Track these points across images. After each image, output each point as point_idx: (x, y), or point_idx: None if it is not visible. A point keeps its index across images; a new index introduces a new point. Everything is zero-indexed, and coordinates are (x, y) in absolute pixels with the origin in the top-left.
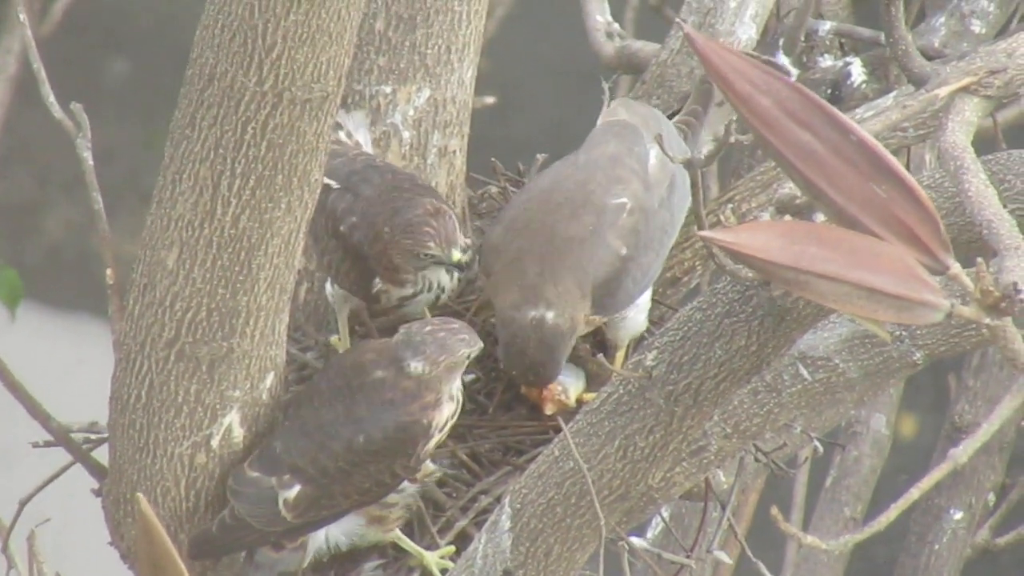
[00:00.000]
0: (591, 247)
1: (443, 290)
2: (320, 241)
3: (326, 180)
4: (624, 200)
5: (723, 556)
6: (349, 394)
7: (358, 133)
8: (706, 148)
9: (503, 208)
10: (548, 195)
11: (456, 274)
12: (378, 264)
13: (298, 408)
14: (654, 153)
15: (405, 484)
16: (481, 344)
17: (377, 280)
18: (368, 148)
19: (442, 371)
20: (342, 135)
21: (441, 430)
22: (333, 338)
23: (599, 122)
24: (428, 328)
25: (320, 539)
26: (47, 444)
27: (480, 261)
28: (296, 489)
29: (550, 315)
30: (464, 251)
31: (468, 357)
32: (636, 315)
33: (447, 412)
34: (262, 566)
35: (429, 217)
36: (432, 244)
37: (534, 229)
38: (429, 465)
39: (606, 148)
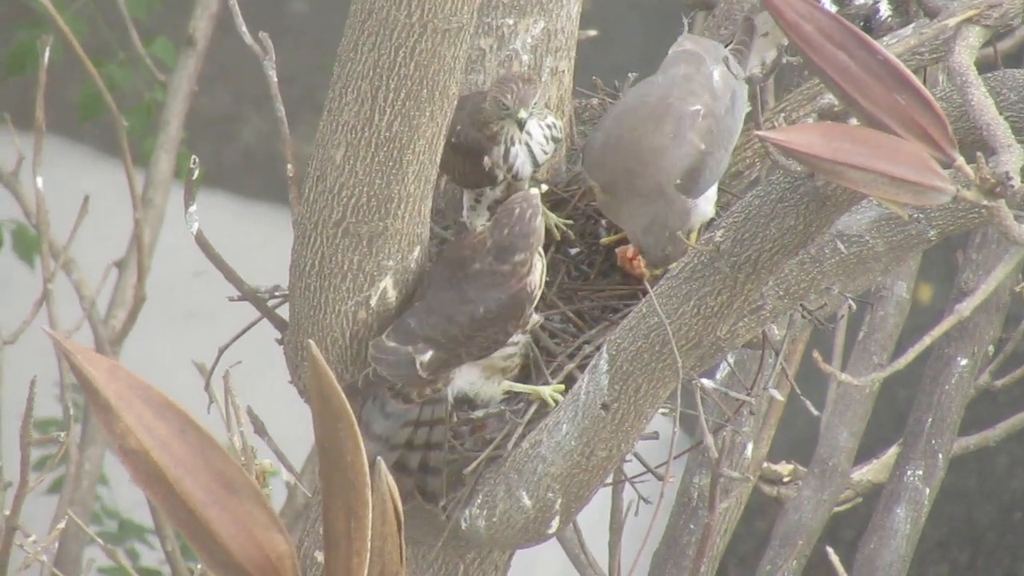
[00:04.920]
0: (673, 149)
1: (530, 156)
2: (442, 157)
3: None
4: (699, 107)
5: (776, 394)
6: (457, 283)
7: None
8: (756, 69)
9: (601, 116)
10: (635, 110)
11: (546, 143)
12: (477, 128)
13: (423, 292)
14: (717, 72)
15: (517, 336)
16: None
17: (486, 159)
18: None
19: (532, 253)
20: None
21: (539, 288)
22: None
23: (670, 52)
24: (506, 231)
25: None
26: (240, 299)
27: (583, 163)
28: (430, 353)
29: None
30: (530, 114)
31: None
32: (705, 205)
33: (539, 271)
34: (391, 415)
35: (519, 78)
36: (509, 96)
37: (624, 144)
38: (534, 316)
39: (678, 69)
